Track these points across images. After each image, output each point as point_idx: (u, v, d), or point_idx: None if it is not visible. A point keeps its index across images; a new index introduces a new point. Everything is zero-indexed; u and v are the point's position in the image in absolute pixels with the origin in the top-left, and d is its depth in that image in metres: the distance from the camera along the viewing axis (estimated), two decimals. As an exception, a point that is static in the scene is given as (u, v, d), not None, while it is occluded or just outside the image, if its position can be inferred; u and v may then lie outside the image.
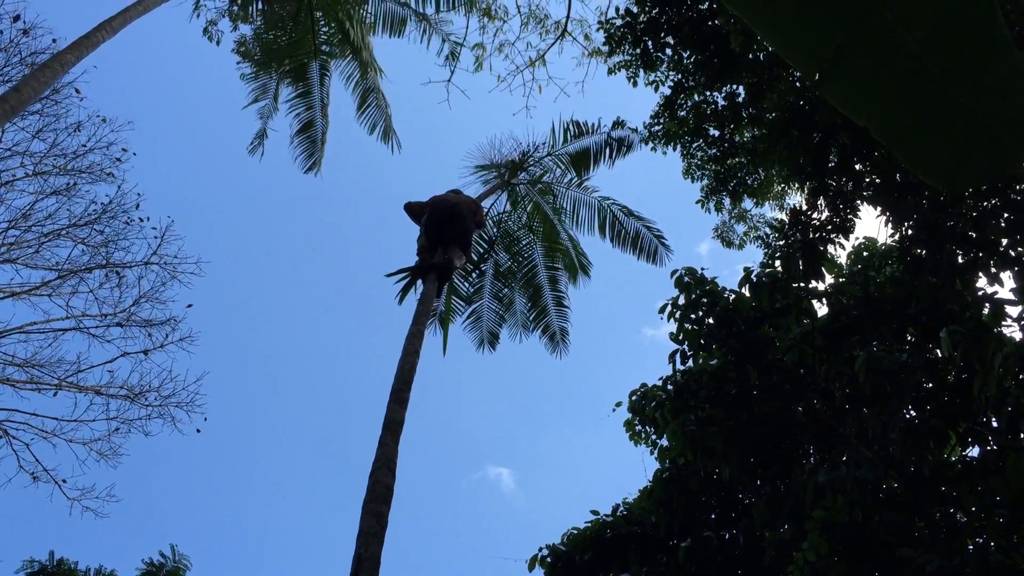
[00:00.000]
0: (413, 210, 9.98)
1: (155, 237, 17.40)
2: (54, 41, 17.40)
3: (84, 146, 17.45)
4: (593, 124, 16.00)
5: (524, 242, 15.65)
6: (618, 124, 16.09)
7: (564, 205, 15.84)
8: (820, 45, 1.72)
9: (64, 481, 15.67)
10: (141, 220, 17.44)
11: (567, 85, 18.00)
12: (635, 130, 16.11)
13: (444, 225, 9.27)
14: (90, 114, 17.69)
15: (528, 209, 15.66)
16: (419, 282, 9.12)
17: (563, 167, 15.75)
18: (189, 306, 17.73)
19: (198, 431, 16.85)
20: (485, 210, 13.51)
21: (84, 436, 16.03)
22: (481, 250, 14.97)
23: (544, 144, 15.62)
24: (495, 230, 15.49)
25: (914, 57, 1.66)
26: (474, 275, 15.08)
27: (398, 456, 6.09)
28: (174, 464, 38.05)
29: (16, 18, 17.37)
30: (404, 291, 9.39)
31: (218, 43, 16.88)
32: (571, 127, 15.75)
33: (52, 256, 17.21)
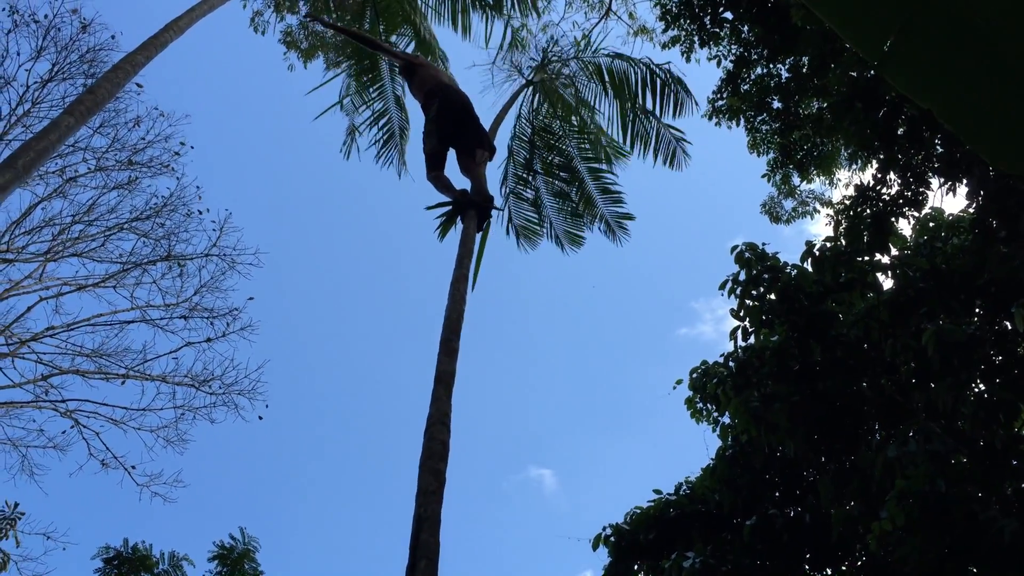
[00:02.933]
0: (417, 72, 8.53)
1: (214, 229, 17.93)
2: (112, 37, 18.00)
3: (144, 140, 18.00)
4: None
5: (558, 136, 14.96)
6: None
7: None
8: (882, 26, 1.70)
9: (133, 467, 16.29)
10: (200, 212, 17.98)
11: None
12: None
13: (463, 127, 8.08)
14: (149, 108, 18.22)
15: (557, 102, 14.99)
16: (459, 219, 8.21)
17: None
18: (250, 299, 18.14)
19: (260, 418, 17.37)
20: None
21: (151, 423, 16.64)
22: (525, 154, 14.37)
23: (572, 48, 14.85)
24: (527, 129, 14.91)
25: (981, 37, 1.63)
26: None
27: (451, 410, 5.87)
28: (238, 449, 39.05)
29: (75, 11, 17.99)
30: (444, 229, 8.55)
31: (263, 33, 17.14)
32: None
33: (116, 249, 17.86)
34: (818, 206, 15.54)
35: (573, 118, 14.33)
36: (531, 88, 14.34)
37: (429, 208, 8.25)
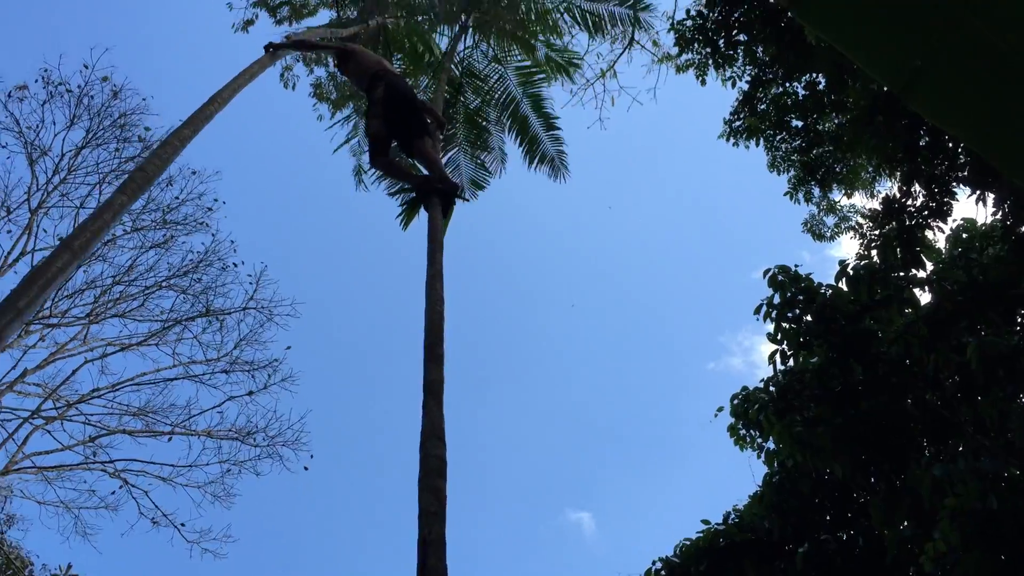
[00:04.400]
0: (353, 58, 8.16)
1: (250, 282, 18.20)
2: (143, 100, 18.43)
3: (177, 199, 18.36)
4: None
5: (495, 78, 15.04)
6: None
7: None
8: (904, 59, 1.73)
9: (183, 525, 16.44)
10: (236, 265, 18.27)
11: (638, 93, 17.88)
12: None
13: (409, 114, 7.67)
14: (180, 167, 18.60)
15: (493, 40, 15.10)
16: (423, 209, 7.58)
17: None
18: (287, 348, 18.35)
19: (305, 468, 17.49)
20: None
21: (199, 479, 16.81)
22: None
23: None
24: (457, 71, 14.90)
25: (1006, 63, 1.65)
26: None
27: (445, 421, 5.27)
28: (285, 500, 39.02)
29: (105, 79, 18.45)
30: (408, 217, 8.02)
31: (293, 88, 17.51)
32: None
33: (156, 307, 18.16)
34: (860, 220, 15.46)
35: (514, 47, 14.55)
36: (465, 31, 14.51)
37: (392, 193, 7.55)
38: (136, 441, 16.99)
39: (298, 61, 17.25)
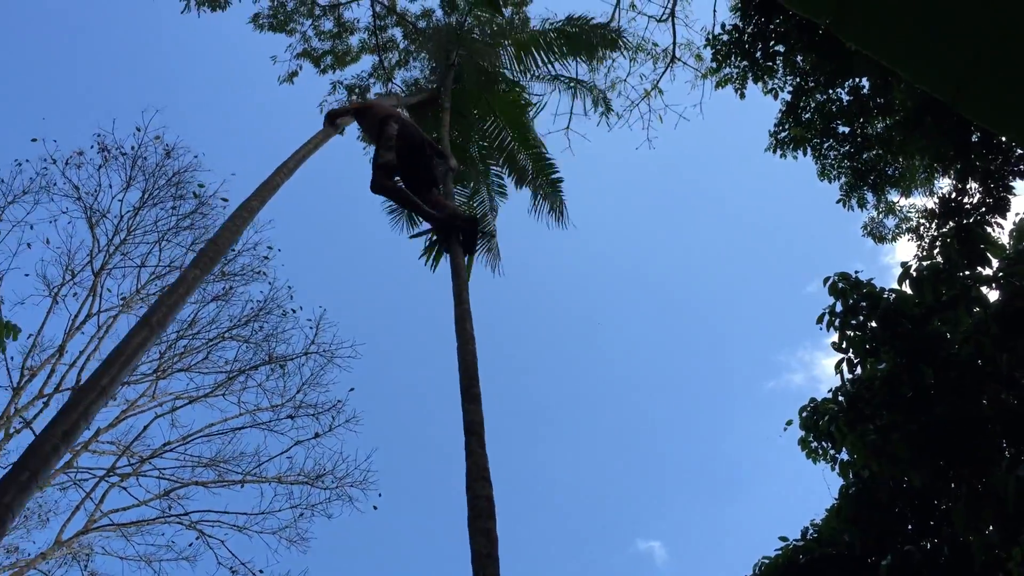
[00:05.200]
0: (370, 111, 8.20)
1: (310, 326, 18.54)
2: (195, 158, 19.00)
3: (234, 250, 18.83)
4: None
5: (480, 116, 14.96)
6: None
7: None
8: (952, 69, 1.72)
9: (261, 572, 16.65)
10: (294, 311, 18.65)
11: (684, 109, 17.91)
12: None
13: (420, 161, 7.62)
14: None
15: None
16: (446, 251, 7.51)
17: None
18: (351, 390, 18.59)
19: (375, 508, 17.63)
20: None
21: (272, 526, 17.04)
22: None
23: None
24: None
25: None
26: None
27: (489, 462, 5.26)
28: (356, 541, 39.17)
29: (158, 138, 19.09)
30: (436, 258, 7.84)
31: (342, 132, 17.85)
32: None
33: (220, 358, 18.57)
34: (918, 220, 15.17)
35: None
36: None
37: (412, 237, 7.43)
38: (209, 492, 17.33)
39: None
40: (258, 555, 24.27)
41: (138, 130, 18.75)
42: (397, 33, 18.65)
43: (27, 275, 21.00)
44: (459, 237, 7.06)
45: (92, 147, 18.70)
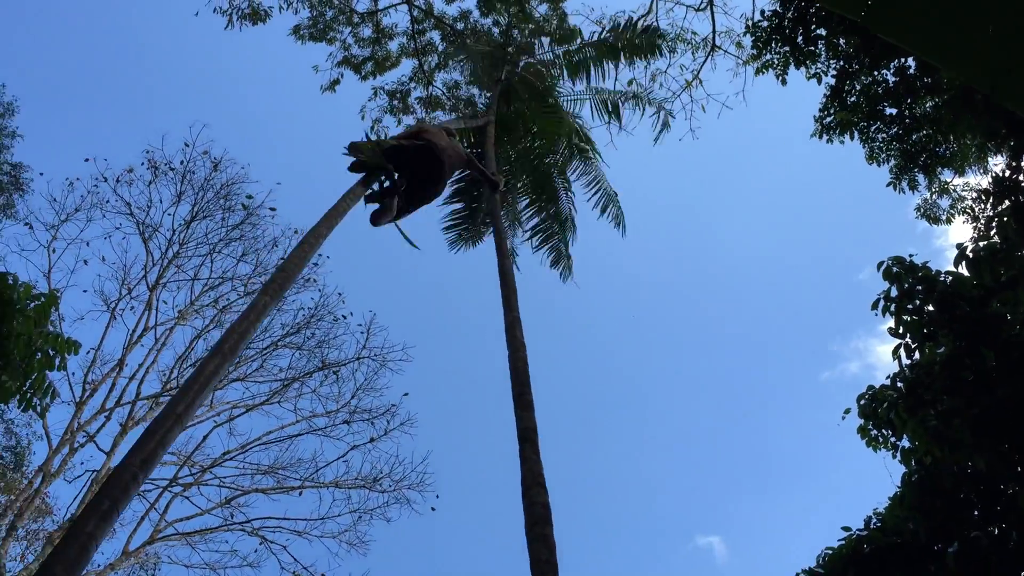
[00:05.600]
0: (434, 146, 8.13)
1: (361, 332, 18.74)
2: (242, 169, 19.35)
3: (283, 259, 19.08)
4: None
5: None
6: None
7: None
8: (988, 59, 1.71)
9: (323, 575, 16.85)
10: (345, 317, 18.87)
11: (726, 98, 17.78)
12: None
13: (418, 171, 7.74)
14: (283, 229, 19.37)
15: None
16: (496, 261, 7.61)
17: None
18: (405, 395, 18.75)
19: (432, 509, 17.75)
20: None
21: (332, 530, 17.26)
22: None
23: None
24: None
25: None
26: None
27: (543, 468, 5.38)
28: (416, 543, 39.39)
29: (205, 152, 19.45)
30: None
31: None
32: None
33: (274, 366, 18.87)
34: (972, 201, 14.83)
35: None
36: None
37: (351, 168, 7.48)
38: (269, 498, 17.61)
39: (386, 113, 17.79)
40: (320, 559, 24.58)
41: (186, 145, 19.15)
42: (435, 36, 18.76)
43: (85, 291, 21.62)
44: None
45: (142, 164, 19.13)
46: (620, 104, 15.59)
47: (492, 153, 11.22)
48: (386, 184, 7.55)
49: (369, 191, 7.08)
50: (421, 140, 8.18)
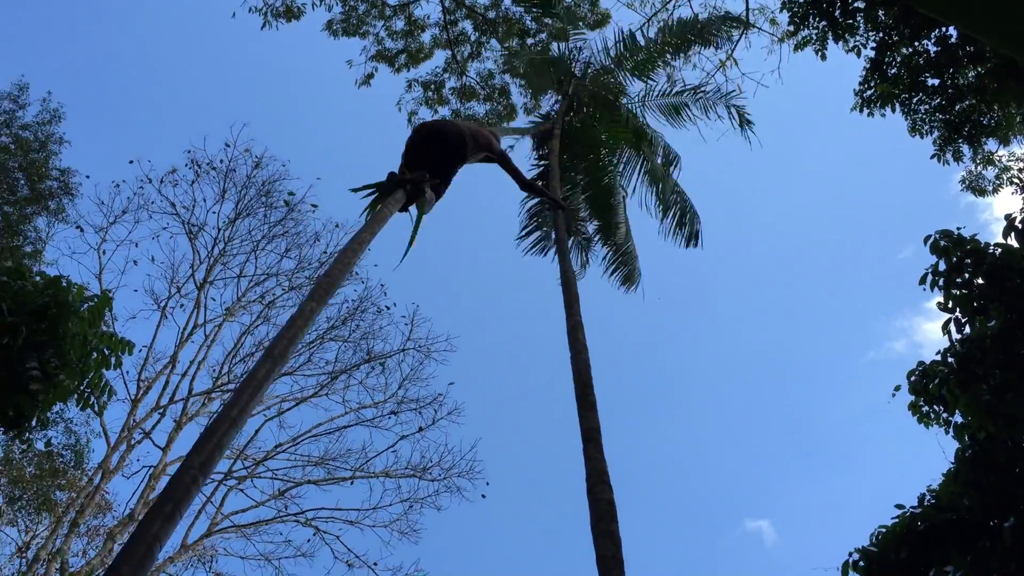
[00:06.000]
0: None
1: (405, 322, 18.95)
2: (282, 166, 19.57)
3: (326, 253, 19.35)
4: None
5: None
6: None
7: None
8: None
9: (375, 564, 17.14)
10: (388, 308, 19.06)
11: (761, 76, 17.56)
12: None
13: (429, 154, 7.50)
14: (325, 223, 19.62)
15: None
16: (557, 267, 7.72)
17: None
18: (450, 384, 18.92)
19: (483, 496, 17.93)
20: None
21: (383, 519, 17.52)
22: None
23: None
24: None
25: None
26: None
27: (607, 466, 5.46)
28: (467, 530, 39.59)
29: (247, 150, 19.73)
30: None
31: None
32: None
33: (320, 359, 19.14)
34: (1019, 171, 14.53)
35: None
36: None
37: (354, 190, 7.37)
38: (321, 489, 17.94)
39: (421, 105, 17.88)
40: (372, 548, 24.94)
41: (227, 145, 19.44)
42: (468, 26, 18.79)
43: (136, 291, 22.09)
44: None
45: (185, 164, 19.46)
46: (690, 102, 15.27)
47: (556, 169, 11.23)
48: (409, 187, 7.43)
49: (404, 201, 6.98)
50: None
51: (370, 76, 18.79)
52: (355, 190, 7.39)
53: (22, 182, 18.54)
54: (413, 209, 7.33)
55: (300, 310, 4.75)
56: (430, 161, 7.46)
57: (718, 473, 41.13)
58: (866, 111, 14.16)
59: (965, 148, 13.82)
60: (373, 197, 7.34)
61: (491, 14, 18.24)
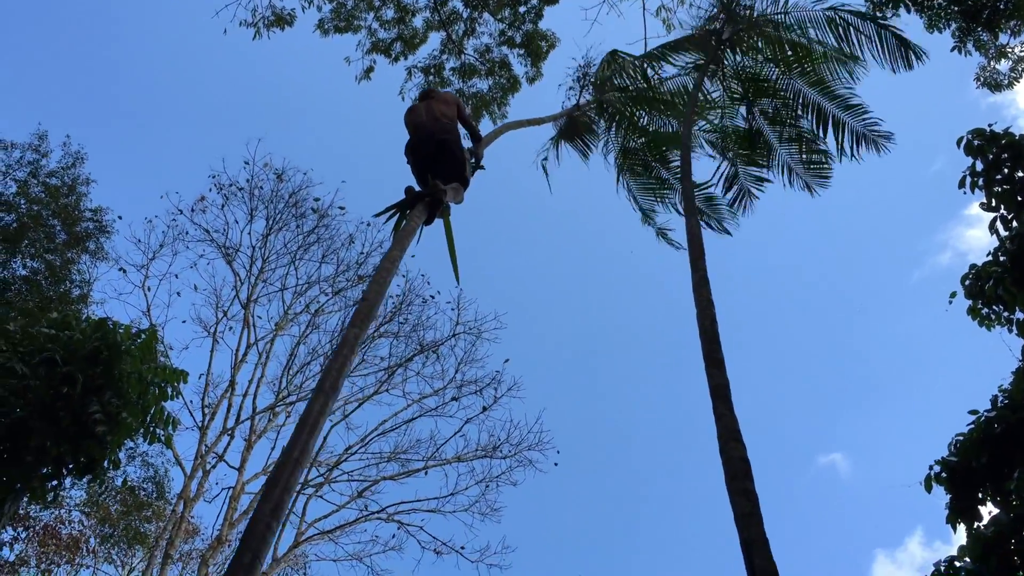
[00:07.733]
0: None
1: (452, 308, 19.01)
2: (305, 175, 19.66)
3: (363, 253, 19.47)
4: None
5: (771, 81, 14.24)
6: None
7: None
8: None
9: (462, 548, 17.35)
10: (432, 297, 19.16)
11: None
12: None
13: (432, 164, 7.53)
14: (356, 224, 19.70)
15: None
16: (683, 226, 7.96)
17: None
18: (506, 361, 18.99)
19: (555, 464, 18.07)
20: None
21: (463, 502, 17.72)
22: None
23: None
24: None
25: None
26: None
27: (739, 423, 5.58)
28: (546, 501, 39.66)
29: (267, 165, 19.86)
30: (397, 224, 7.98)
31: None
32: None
33: (375, 357, 19.33)
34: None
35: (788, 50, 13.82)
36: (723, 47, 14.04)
37: (377, 215, 7.44)
38: (398, 483, 18.18)
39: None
40: (457, 532, 25.26)
41: (246, 164, 19.57)
42: (458, 3, 18.58)
43: (184, 322, 22.46)
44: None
45: (210, 189, 19.64)
46: None
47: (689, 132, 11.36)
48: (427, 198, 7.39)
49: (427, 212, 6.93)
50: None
51: (370, 70, 18.69)
52: (378, 215, 7.49)
53: (58, 228, 18.83)
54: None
55: (344, 339, 4.79)
56: (433, 161, 7.57)
57: (782, 412, 40.99)
58: (879, 14, 13.76)
59: (985, 37, 13.42)
60: (396, 217, 7.38)
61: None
